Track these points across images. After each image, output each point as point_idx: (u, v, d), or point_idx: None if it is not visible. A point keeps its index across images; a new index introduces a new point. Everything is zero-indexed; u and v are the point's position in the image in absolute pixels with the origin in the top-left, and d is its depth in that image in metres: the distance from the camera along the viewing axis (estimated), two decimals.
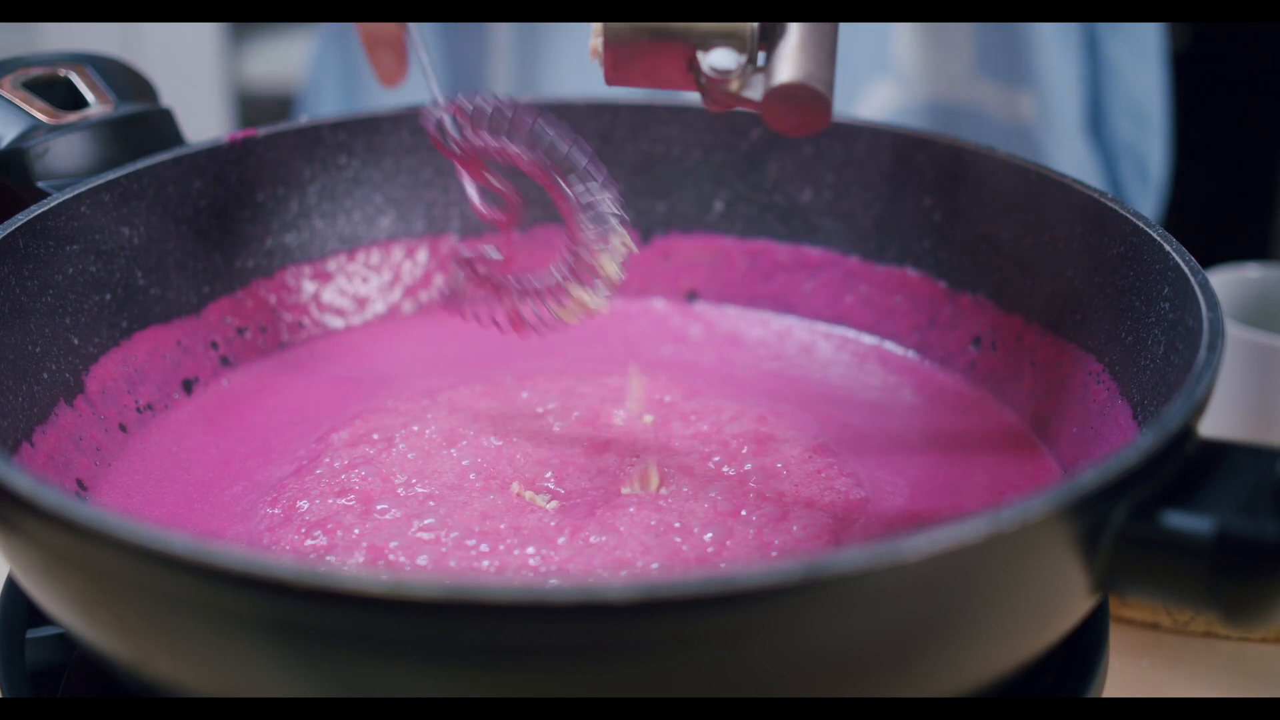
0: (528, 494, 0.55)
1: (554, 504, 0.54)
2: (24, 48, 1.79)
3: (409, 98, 0.77)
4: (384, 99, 0.68)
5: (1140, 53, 1.05)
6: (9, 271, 0.55)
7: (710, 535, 0.52)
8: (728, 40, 0.50)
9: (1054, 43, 1.01)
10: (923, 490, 0.56)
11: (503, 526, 0.52)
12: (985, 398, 0.63)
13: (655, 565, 0.50)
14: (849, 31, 0.98)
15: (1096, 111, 1.07)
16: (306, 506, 0.54)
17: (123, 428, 0.60)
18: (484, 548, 0.51)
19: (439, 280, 0.73)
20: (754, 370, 0.67)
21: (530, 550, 0.51)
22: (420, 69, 0.70)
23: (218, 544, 0.36)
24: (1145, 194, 1.08)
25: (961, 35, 1.01)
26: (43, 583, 0.42)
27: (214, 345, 0.66)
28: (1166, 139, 1.10)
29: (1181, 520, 0.39)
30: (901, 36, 1.00)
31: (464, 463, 0.57)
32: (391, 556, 0.51)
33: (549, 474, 0.56)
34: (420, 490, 0.55)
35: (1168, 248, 0.53)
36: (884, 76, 1.00)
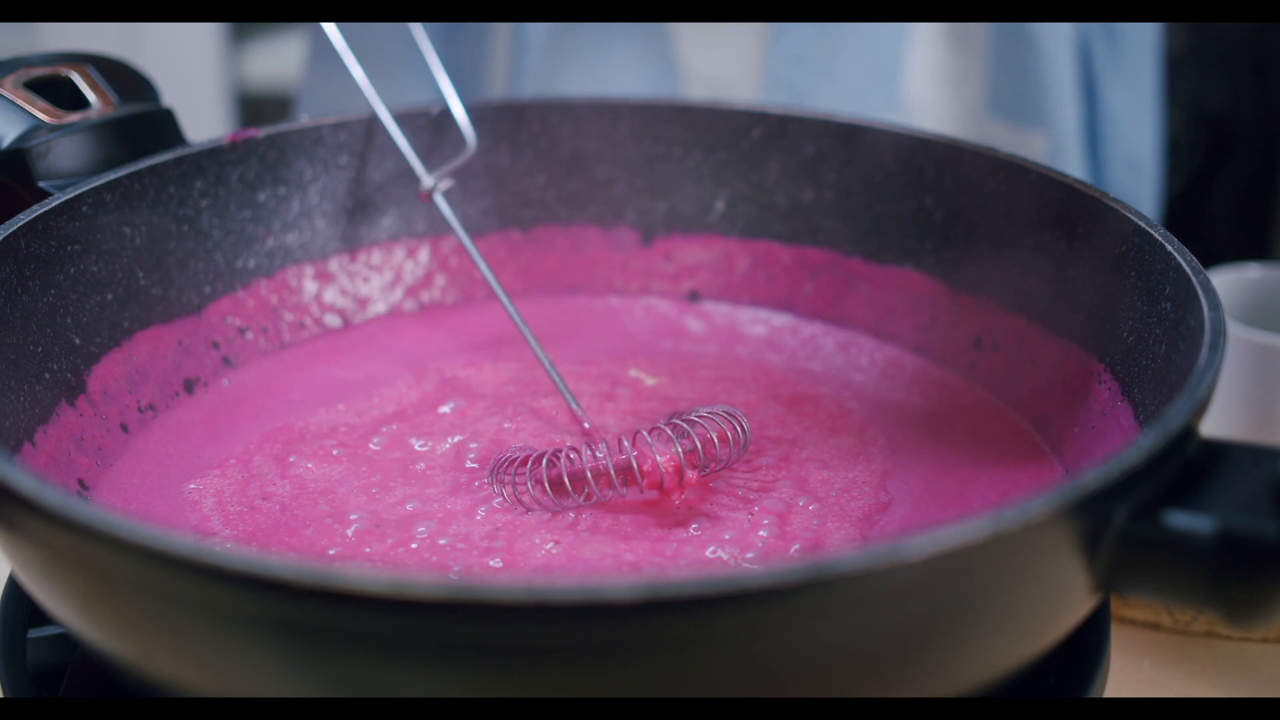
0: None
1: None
2: (24, 48, 1.79)
3: (409, 98, 0.77)
4: (385, 97, 0.68)
5: (1139, 102, 1.06)
6: (10, 271, 0.55)
7: (727, 541, 0.52)
8: None
9: (1064, 84, 1.01)
10: (924, 491, 0.56)
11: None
12: (987, 398, 0.63)
13: (679, 549, 0.51)
14: (861, 67, 0.99)
15: (1094, 162, 1.07)
16: (315, 503, 0.55)
17: (124, 428, 0.60)
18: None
19: (440, 280, 0.73)
20: (755, 369, 0.66)
21: (542, 537, 0.51)
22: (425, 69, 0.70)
23: (219, 544, 0.36)
24: None
25: (972, 74, 1.01)
26: (44, 582, 0.42)
27: (215, 345, 0.66)
28: (1158, 187, 1.10)
29: (1183, 520, 0.39)
30: (913, 74, 1.00)
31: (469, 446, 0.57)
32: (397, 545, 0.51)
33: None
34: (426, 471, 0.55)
35: (1169, 248, 0.53)
36: (894, 113, 1.00)
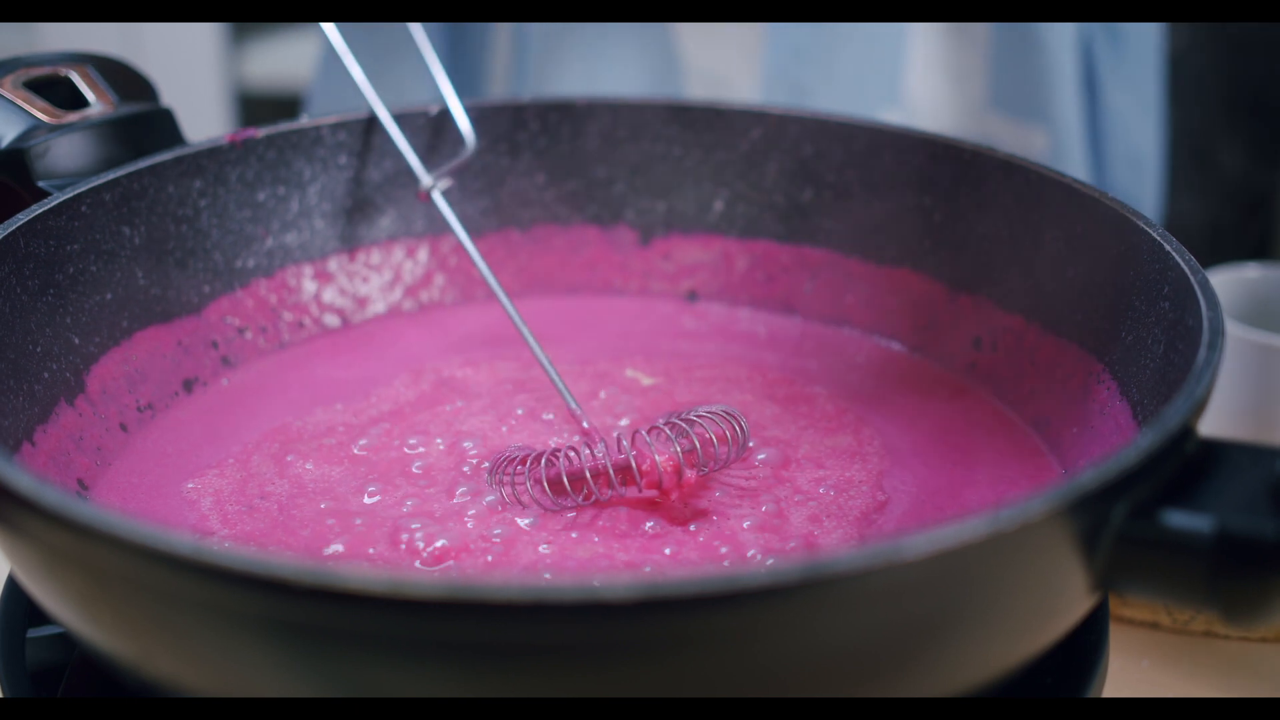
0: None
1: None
2: (24, 48, 1.80)
3: (409, 98, 0.77)
4: (389, 95, 0.69)
5: (1141, 101, 1.06)
6: (10, 271, 0.55)
7: (724, 541, 0.52)
8: None
9: (1066, 80, 1.01)
10: (923, 490, 0.56)
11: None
12: (986, 398, 0.63)
13: (677, 548, 0.51)
14: (862, 62, 0.99)
15: (1096, 160, 1.07)
16: (322, 504, 0.55)
17: (123, 427, 0.60)
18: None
19: (439, 280, 0.73)
20: (753, 368, 0.66)
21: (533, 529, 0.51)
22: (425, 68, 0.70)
23: (218, 543, 0.36)
24: None
25: (974, 69, 1.01)
26: (44, 582, 0.42)
27: (215, 345, 0.66)
28: (1161, 185, 1.10)
29: (1181, 519, 0.39)
30: (914, 69, 1.00)
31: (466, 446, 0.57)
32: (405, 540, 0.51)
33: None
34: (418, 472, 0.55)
35: (1168, 247, 0.53)
36: (894, 108, 1.00)
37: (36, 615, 0.52)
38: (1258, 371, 0.69)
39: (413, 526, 0.53)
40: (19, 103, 0.62)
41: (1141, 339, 0.55)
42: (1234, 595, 0.39)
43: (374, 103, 0.67)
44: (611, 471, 0.53)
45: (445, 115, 0.71)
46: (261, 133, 0.67)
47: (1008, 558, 0.38)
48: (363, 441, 0.59)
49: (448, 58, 1.06)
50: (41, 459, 0.54)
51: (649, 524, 0.53)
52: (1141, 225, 0.56)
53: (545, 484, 0.54)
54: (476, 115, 0.71)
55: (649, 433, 0.54)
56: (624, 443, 0.54)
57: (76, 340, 0.59)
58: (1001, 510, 0.37)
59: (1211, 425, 0.68)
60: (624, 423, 0.61)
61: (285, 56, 1.96)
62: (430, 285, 0.73)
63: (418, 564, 0.51)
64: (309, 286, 0.70)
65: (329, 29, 0.67)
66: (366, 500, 0.55)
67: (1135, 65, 1.05)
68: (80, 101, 0.64)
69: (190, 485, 0.57)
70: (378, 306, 0.72)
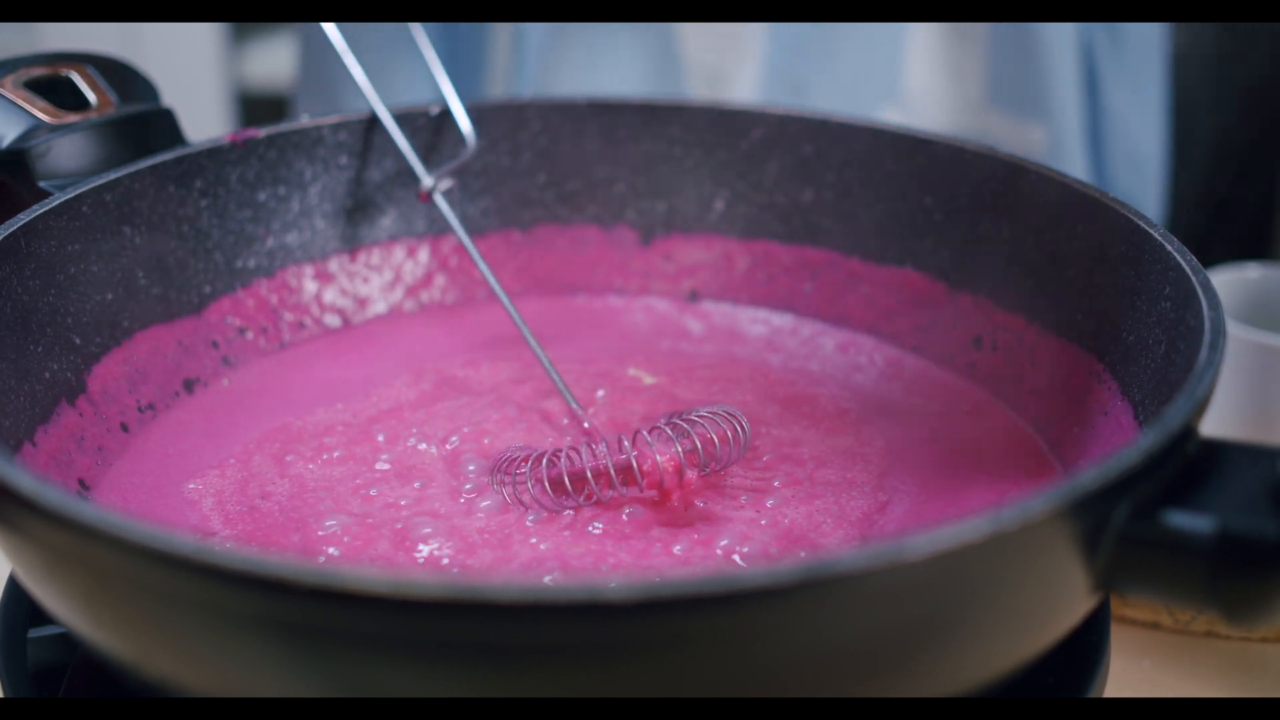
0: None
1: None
2: (24, 48, 1.80)
3: (408, 97, 0.77)
4: (387, 95, 0.68)
5: (1143, 102, 1.06)
6: (11, 271, 0.55)
7: (726, 541, 0.52)
8: None
9: (1066, 78, 1.01)
10: (923, 490, 0.56)
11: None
12: (986, 398, 0.63)
13: (678, 548, 0.51)
14: (861, 57, 0.99)
15: (1097, 160, 1.07)
16: (317, 505, 0.55)
17: (124, 427, 0.60)
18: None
19: (440, 280, 0.73)
20: (754, 369, 0.66)
21: (534, 537, 0.51)
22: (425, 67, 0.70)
23: (220, 543, 0.36)
24: None
25: (973, 66, 1.01)
26: (45, 582, 0.42)
27: (215, 345, 0.66)
28: (1163, 186, 1.10)
29: (1182, 520, 0.39)
30: (913, 66, 1.00)
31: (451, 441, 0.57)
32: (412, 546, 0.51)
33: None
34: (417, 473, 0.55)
35: (1169, 247, 0.53)
36: (893, 105, 1.00)
37: (37, 615, 0.52)
38: (1258, 371, 0.69)
39: (413, 526, 0.53)
40: (19, 103, 0.62)
41: (1143, 339, 0.55)
42: (1235, 595, 0.39)
43: (374, 103, 0.67)
44: (613, 471, 0.53)
45: (446, 115, 0.71)
46: (262, 133, 0.67)
47: (1009, 558, 0.38)
48: (363, 441, 0.59)
49: (447, 58, 1.06)
50: (43, 459, 0.54)
51: (650, 523, 0.53)
52: (1143, 225, 0.56)
53: (546, 484, 0.54)
54: (477, 115, 0.71)
55: (650, 433, 0.54)
56: (625, 443, 0.54)
57: (77, 340, 0.59)
58: (1002, 510, 0.37)
59: (1212, 425, 0.68)
60: (626, 423, 0.61)
61: (285, 56, 1.96)
62: (431, 285, 0.73)
63: (419, 563, 0.51)
64: (310, 286, 0.70)
65: (329, 29, 0.67)
66: (368, 500, 0.55)
67: (1137, 65, 1.05)
68: (80, 101, 0.64)
69: (191, 485, 0.57)
70: (378, 306, 0.72)
